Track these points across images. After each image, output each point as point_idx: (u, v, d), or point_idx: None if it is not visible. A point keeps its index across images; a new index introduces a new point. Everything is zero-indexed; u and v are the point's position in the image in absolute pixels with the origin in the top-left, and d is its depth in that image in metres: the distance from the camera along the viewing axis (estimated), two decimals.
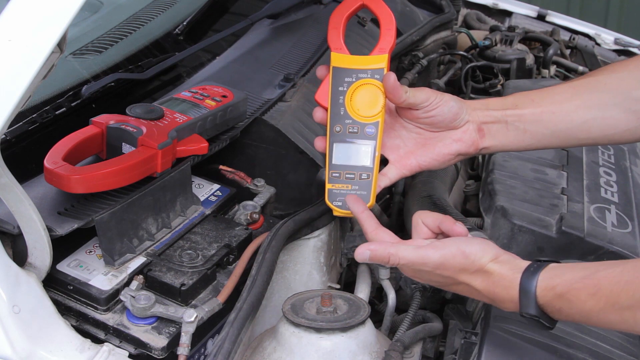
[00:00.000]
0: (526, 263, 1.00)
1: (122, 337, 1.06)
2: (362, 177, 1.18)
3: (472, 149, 1.21)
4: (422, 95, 1.18)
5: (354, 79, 1.18)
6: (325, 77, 1.21)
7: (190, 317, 1.04)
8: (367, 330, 1.08)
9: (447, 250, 1.02)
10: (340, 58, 1.19)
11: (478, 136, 1.20)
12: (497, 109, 1.21)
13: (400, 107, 1.21)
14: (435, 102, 1.18)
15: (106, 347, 1.04)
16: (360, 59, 1.19)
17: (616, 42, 2.38)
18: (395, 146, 1.22)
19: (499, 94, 1.89)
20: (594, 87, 1.20)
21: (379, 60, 1.19)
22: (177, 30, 1.69)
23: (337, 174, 1.18)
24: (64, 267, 1.11)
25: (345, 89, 1.18)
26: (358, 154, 1.18)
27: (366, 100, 1.18)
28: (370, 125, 1.18)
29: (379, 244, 1.07)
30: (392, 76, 1.16)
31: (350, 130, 1.18)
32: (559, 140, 1.22)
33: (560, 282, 0.96)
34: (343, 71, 1.19)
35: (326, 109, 1.19)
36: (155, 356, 1.04)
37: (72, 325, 1.05)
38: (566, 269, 0.98)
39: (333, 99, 1.19)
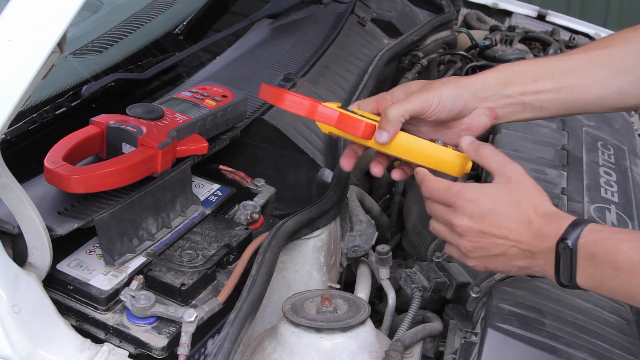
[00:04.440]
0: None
1: (122, 337, 1.06)
2: None
3: (482, 131, 1.19)
4: (416, 109, 1.14)
5: None
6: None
7: (190, 317, 1.04)
8: (367, 330, 1.08)
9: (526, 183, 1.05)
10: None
11: (489, 119, 1.18)
12: (515, 87, 1.17)
13: None
14: (432, 109, 1.15)
15: (106, 347, 1.04)
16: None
17: None
18: None
19: None
20: (611, 61, 1.19)
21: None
22: (177, 30, 1.69)
23: None
24: (64, 267, 1.11)
25: None
26: None
27: None
28: None
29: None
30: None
31: None
32: (570, 112, 1.23)
33: (606, 229, 0.98)
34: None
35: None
36: (155, 356, 1.04)
37: (72, 325, 1.05)
38: (615, 228, 1.01)
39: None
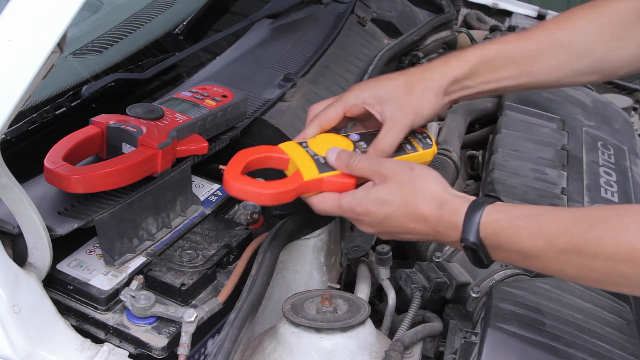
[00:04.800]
0: (474, 197, 1.02)
1: (122, 337, 1.06)
2: None
3: (435, 117, 1.26)
4: (405, 134, 1.16)
5: None
6: None
7: (190, 317, 1.04)
8: (367, 330, 1.08)
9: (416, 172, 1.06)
10: None
11: (447, 108, 1.23)
12: (479, 77, 1.20)
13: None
14: (415, 126, 1.18)
15: (106, 347, 1.04)
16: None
17: None
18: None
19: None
20: (571, 45, 1.22)
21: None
22: (177, 30, 1.69)
23: None
24: (64, 267, 1.11)
25: None
26: None
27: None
28: None
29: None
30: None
31: None
32: (523, 91, 1.32)
33: (504, 217, 0.97)
34: None
35: None
36: (155, 356, 1.04)
37: (72, 325, 1.05)
38: (512, 207, 1.00)
39: None
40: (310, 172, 1.10)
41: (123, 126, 1.18)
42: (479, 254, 0.99)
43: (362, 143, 1.17)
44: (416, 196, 1.03)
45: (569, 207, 0.98)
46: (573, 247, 0.91)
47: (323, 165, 1.11)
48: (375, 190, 1.06)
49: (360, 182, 1.10)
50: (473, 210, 0.99)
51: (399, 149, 1.17)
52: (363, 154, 1.13)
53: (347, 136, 1.18)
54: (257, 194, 1.08)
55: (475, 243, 0.98)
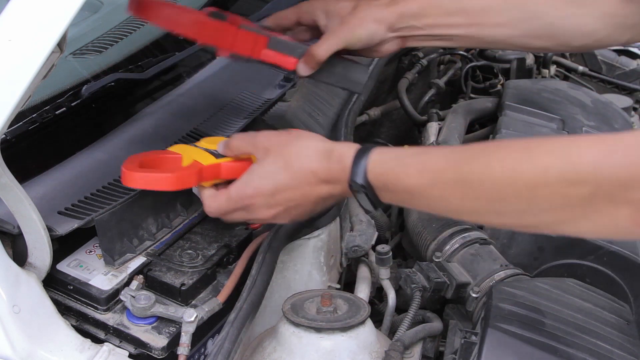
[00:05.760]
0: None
1: (122, 337, 1.06)
2: None
3: (387, 55, 1.30)
4: (339, 46, 1.22)
5: None
6: None
7: (190, 317, 1.04)
8: (367, 330, 1.08)
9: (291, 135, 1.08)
10: None
11: (397, 46, 1.27)
12: (427, 19, 1.24)
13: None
14: (351, 46, 1.23)
15: (106, 347, 1.04)
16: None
17: None
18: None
19: (499, 94, 1.89)
20: (525, 5, 1.24)
21: None
22: None
23: None
24: (64, 267, 1.11)
25: None
26: None
27: None
28: None
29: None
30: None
31: None
32: (478, 45, 1.40)
33: (392, 157, 0.99)
34: None
35: None
36: (155, 356, 1.04)
37: (72, 325, 1.06)
38: (399, 149, 1.02)
39: None
40: (207, 159, 1.12)
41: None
42: (365, 197, 1.00)
43: None
44: (300, 156, 1.04)
45: (457, 145, 1.00)
46: (459, 176, 0.93)
47: (218, 154, 1.13)
48: (258, 166, 1.07)
49: None
50: (361, 152, 1.00)
51: None
52: (238, 133, 1.17)
53: None
54: (159, 178, 1.09)
55: (364, 185, 0.99)
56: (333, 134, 1.47)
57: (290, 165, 1.04)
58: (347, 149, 1.02)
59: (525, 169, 0.88)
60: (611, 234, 0.93)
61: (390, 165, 0.98)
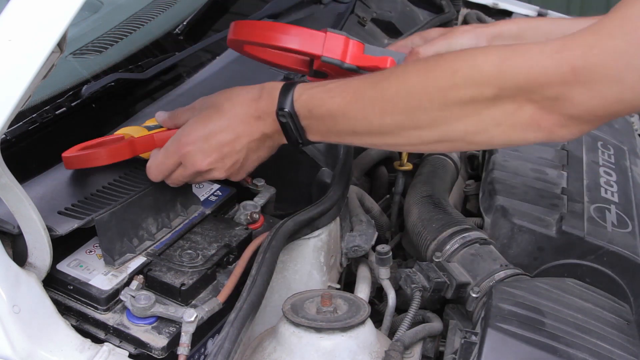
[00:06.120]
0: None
1: (122, 337, 1.06)
2: None
3: None
4: (441, 52, 1.22)
5: None
6: None
7: (190, 317, 1.04)
8: (367, 330, 1.08)
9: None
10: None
11: None
12: (526, 40, 1.17)
13: None
14: None
15: (106, 347, 1.04)
16: None
17: None
18: None
19: None
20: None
21: None
22: (177, 30, 1.69)
23: None
24: (64, 267, 1.11)
25: None
26: None
27: None
28: None
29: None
30: None
31: None
32: None
33: (317, 85, 1.06)
34: None
35: None
36: (155, 356, 1.04)
37: (72, 325, 1.05)
38: (327, 81, 1.07)
39: None
40: (141, 132, 1.18)
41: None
42: (291, 127, 1.05)
43: None
44: (231, 99, 1.10)
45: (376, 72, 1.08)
46: (378, 93, 0.98)
47: (153, 128, 1.19)
48: (193, 118, 1.12)
49: None
50: (288, 84, 1.06)
51: None
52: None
53: None
54: (91, 155, 1.14)
55: (290, 113, 1.04)
56: None
57: (222, 108, 1.09)
58: (277, 84, 1.07)
59: (438, 73, 0.94)
60: (520, 138, 0.96)
61: (314, 91, 1.04)
